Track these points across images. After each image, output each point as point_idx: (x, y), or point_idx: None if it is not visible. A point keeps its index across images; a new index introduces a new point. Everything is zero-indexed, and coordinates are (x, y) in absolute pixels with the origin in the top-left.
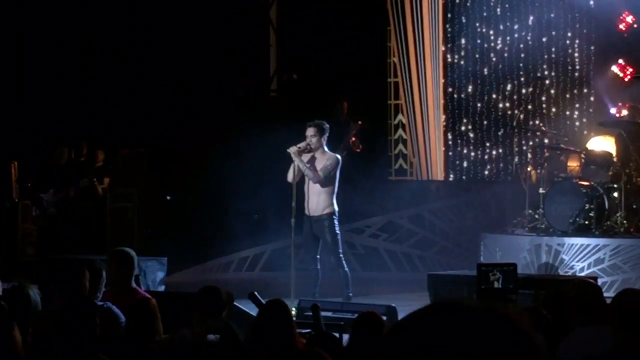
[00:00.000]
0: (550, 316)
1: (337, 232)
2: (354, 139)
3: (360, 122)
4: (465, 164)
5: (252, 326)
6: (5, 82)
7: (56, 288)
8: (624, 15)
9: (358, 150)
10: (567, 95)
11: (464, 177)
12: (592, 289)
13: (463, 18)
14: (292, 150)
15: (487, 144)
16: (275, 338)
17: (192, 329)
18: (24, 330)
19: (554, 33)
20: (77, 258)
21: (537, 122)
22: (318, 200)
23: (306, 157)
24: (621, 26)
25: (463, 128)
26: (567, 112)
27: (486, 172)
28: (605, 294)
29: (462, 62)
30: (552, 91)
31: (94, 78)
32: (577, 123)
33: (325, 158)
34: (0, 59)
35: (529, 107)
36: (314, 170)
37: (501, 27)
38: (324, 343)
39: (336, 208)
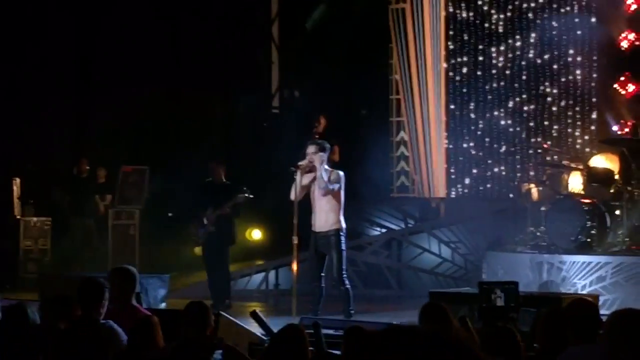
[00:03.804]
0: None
1: (343, 248)
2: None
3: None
4: (467, 181)
5: (266, 352)
6: (3, 99)
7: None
8: (626, 32)
9: (337, 160)
10: (569, 113)
11: (465, 194)
12: (587, 308)
13: (465, 35)
14: (297, 167)
15: (489, 161)
16: None
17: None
18: (22, 349)
19: (555, 51)
20: (80, 275)
21: (539, 139)
22: (327, 217)
23: (309, 176)
24: (623, 43)
25: (465, 145)
26: (569, 130)
27: (488, 189)
28: (606, 312)
29: (464, 79)
30: (554, 108)
31: (96, 95)
32: (579, 140)
33: (327, 174)
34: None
35: (531, 124)
36: (321, 182)
37: (503, 44)
38: None
39: (344, 225)
